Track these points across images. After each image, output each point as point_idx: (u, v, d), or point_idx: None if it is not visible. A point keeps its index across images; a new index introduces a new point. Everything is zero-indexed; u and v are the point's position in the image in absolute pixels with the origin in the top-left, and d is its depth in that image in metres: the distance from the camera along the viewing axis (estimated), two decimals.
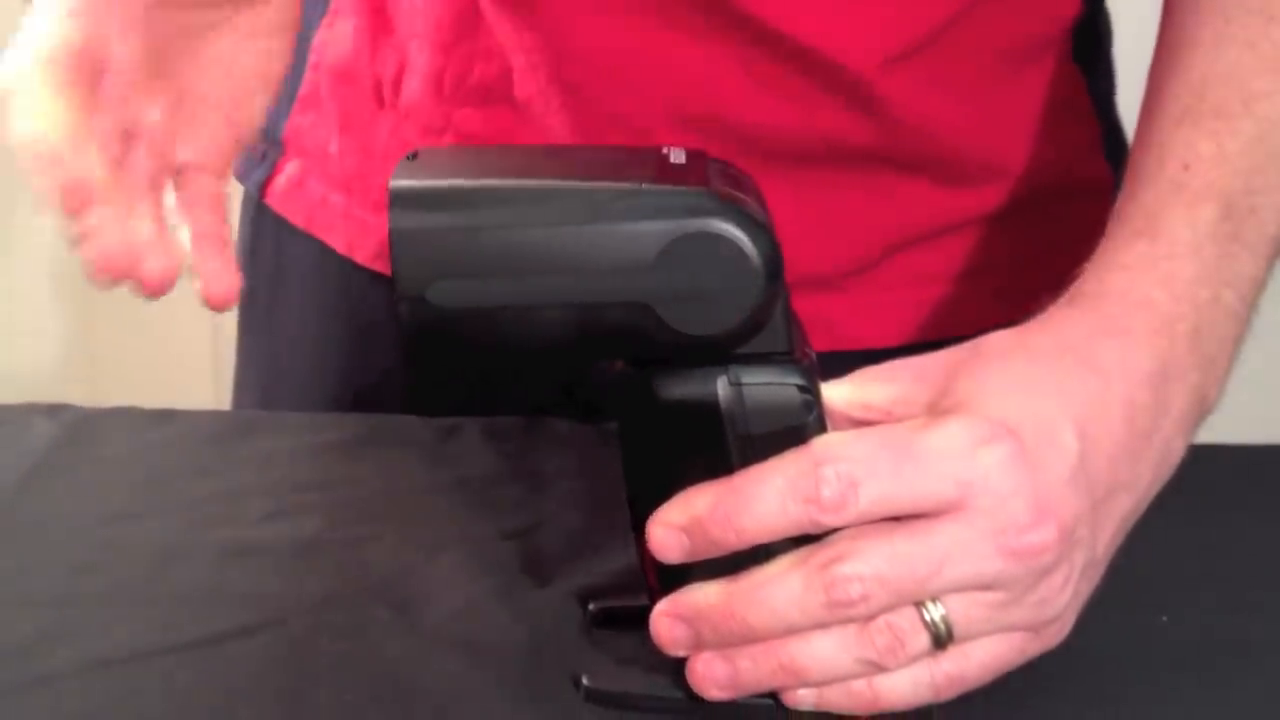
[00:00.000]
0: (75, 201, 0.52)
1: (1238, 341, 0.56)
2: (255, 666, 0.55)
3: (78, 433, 0.72)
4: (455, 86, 0.76)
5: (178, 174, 0.60)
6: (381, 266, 0.80)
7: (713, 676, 0.50)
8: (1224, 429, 0.69)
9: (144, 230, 0.54)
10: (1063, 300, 0.56)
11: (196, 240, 0.58)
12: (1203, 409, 0.55)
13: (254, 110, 0.62)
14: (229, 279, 0.58)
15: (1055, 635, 0.51)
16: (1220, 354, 0.55)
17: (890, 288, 0.76)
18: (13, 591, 0.59)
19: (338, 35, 0.81)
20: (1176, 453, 0.54)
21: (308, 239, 0.82)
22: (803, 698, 0.50)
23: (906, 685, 0.49)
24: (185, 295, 0.57)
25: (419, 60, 0.77)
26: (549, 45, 0.72)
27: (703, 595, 0.50)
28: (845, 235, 0.74)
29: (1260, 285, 0.57)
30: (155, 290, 0.54)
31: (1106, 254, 0.57)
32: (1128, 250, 0.56)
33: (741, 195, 0.48)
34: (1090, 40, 0.78)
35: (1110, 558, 0.53)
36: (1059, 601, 0.50)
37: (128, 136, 0.57)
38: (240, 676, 0.54)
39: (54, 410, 0.73)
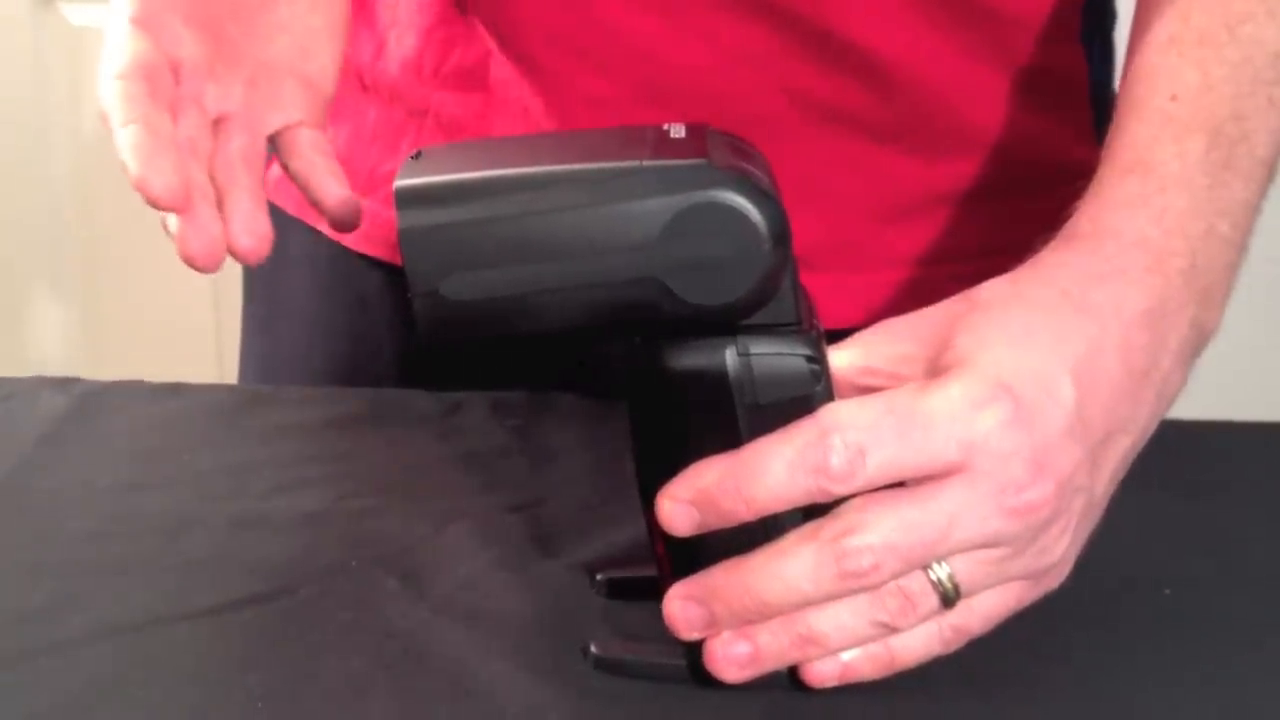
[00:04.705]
0: (176, 202, 0.54)
1: (1235, 268, 0.57)
2: (265, 634, 0.55)
3: (86, 405, 0.72)
4: (434, 70, 0.76)
5: (279, 138, 0.62)
6: (367, 247, 0.81)
7: (733, 656, 0.50)
8: (1228, 407, 0.69)
9: (241, 208, 0.56)
10: (1056, 242, 0.56)
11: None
12: (1201, 339, 0.56)
13: (326, 62, 0.64)
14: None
15: (1054, 579, 0.52)
16: (1217, 284, 0.56)
17: (866, 268, 0.76)
18: (26, 559, 0.60)
19: None
20: (1175, 386, 0.55)
21: (302, 225, 0.83)
22: (828, 674, 0.51)
23: (919, 643, 0.50)
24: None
25: (402, 44, 0.77)
26: (521, 29, 0.72)
27: (715, 575, 0.51)
28: (823, 210, 0.74)
29: (1255, 210, 0.58)
30: (251, 259, 0.56)
31: (1098, 192, 0.57)
32: (1119, 187, 0.56)
33: (744, 165, 0.48)
34: (1095, 21, 0.78)
35: (1110, 495, 0.53)
36: (1058, 549, 0.51)
37: (218, 124, 0.59)
38: (250, 644, 0.55)
39: (63, 383, 0.74)
